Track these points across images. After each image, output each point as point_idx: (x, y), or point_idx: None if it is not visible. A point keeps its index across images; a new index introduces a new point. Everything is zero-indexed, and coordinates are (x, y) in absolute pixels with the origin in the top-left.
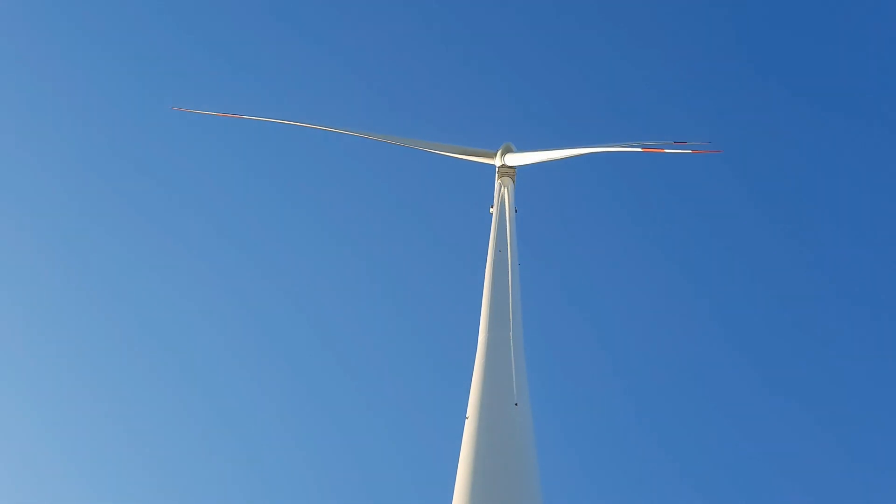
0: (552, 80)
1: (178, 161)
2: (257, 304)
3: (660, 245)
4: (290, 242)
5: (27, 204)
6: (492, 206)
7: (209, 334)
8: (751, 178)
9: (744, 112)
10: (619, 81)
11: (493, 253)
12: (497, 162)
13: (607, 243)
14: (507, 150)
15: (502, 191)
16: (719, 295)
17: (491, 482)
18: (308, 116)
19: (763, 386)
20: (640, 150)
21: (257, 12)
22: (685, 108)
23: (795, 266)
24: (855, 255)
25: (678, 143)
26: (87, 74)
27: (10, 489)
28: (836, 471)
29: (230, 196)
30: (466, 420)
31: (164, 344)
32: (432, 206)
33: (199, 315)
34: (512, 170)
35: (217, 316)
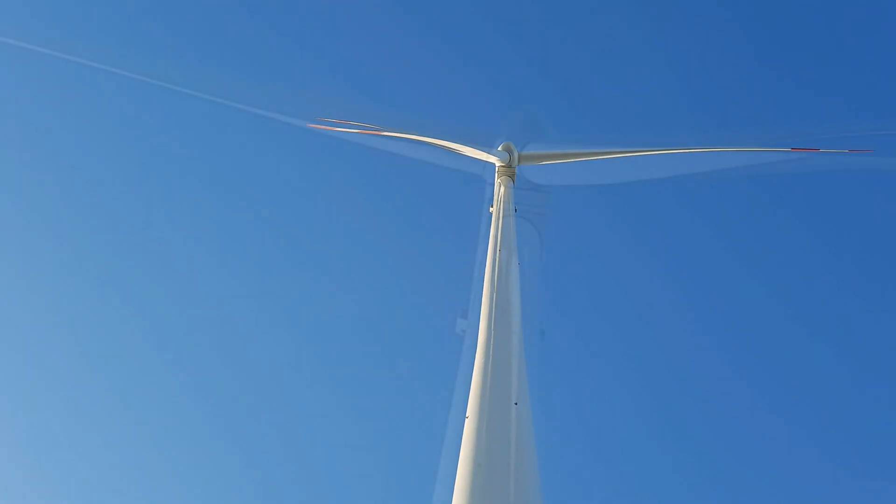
0: (553, 80)
1: (179, 161)
2: (257, 304)
3: (660, 244)
4: (289, 242)
5: (28, 202)
6: (492, 206)
7: (208, 334)
8: (752, 180)
9: (743, 112)
10: (620, 81)
11: (493, 253)
12: (497, 161)
13: (607, 242)
14: (507, 149)
15: (502, 190)
16: (719, 294)
17: (491, 482)
18: (306, 117)
19: (764, 386)
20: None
21: (256, 11)
22: (686, 108)
23: (798, 267)
24: (859, 257)
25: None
26: (85, 73)
27: (10, 489)
28: (838, 472)
29: (230, 196)
30: (466, 420)
31: (163, 342)
32: (432, 206)
33: (199, 315)
34: (512, 169)
35: (216, 315)
